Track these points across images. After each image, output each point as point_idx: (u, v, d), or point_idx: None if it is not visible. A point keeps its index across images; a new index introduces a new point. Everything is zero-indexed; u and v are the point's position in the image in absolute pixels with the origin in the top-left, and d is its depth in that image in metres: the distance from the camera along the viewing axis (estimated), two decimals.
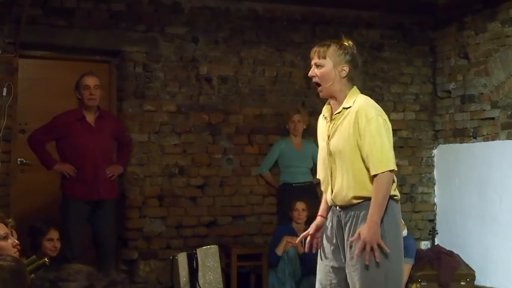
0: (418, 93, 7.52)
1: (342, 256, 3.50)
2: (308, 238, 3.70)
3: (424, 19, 7.49)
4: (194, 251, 6.06)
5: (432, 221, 7.42)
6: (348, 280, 3.45)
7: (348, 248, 3.44)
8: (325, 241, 3.59)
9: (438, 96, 7.48)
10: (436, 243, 7.10)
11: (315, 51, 3.53)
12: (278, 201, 6.73)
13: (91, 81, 5.61)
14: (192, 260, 6.02)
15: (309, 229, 3.72)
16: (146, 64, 6.51)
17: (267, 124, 6.93)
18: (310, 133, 6.56)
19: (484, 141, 6.81)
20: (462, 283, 6.67)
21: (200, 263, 6.03)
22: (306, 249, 3.74)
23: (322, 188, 3.66)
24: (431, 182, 7.51)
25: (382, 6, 7.14)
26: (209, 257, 6.09)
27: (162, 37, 6.56)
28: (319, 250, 3.66)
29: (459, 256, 6.86)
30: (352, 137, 3.41)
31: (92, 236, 5.73)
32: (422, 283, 6.53)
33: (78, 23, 6.28)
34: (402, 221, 6.58)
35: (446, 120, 7.36)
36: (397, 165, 7.44)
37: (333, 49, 3.49)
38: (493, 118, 6.71)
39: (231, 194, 6.79)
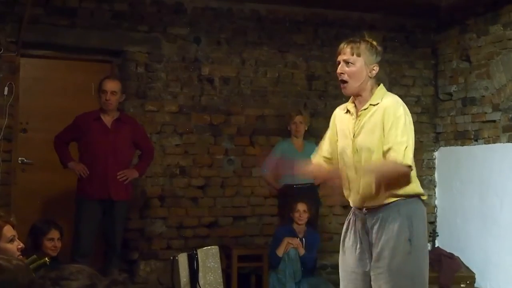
0: (420, 95, 7.51)
1: (368, 261, 3.41)
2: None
3: (426, 21, 7.48)
4: (194, 252, 6.05)
5: (433, 223, 7.41)
6: (372, 284, 3.37)
7: (375, 251, 3.36)
8: (348, 248, 3.50)
9: (440, 99, 7.47)
10: (436, 246, 7.09)
11: (347, 47, 3.41)
12: (279, 202, 6.72)
13: (109, 86, 5.58)
14: (192, 260, 6.01)
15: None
16: (148, 64, 6.52)
17: (269, 125, 6.92)
18: (312, 134, 6.55)
19: (485, 143, 6.81)
20: (462, 285, 6.66)
21: (200, 263, 6.02)
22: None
23: (344, 190, 3.53)
24: (432, 184, 7.51)
25: (384, 9, 7.13)
26: (209, 257, 6.09)
27: (164, 37, 6.57)
28: (340, 257, 3.56)
29: (459, 258, 6.86)
30: (380, 133, 3.33)
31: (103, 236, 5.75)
32: None
33: (80, 23, 6.28)
34: None
35: (447, 122, 7.36)
36: None
37: (365, 47, 3.40)
38: (494, 121, 6.70)
39: (232, 195, 6.79)
